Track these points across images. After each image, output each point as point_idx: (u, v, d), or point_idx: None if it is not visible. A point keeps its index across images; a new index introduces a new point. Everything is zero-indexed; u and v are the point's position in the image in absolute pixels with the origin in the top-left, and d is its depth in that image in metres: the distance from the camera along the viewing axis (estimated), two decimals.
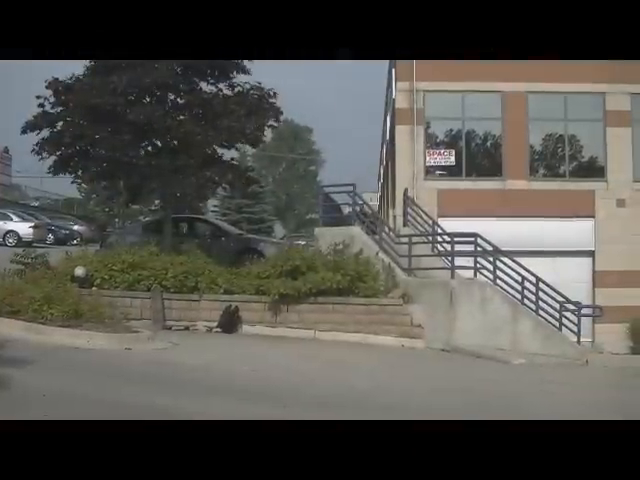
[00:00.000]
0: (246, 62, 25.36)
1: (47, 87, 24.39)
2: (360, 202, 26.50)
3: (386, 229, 26.12)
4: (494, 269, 22.87)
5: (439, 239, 25.93)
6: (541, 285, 23.03)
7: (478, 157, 33.28)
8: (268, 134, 30.02)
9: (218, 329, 21.55)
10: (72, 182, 30.41)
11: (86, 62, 24.78)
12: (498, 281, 22.73)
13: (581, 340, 22.95)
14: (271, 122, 26.56)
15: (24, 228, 43.15)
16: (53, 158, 25.26)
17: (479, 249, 23.35)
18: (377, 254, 23.23)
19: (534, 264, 24.04)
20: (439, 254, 25.07)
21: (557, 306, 23.08)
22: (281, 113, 26.59)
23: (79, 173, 26.91)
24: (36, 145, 24.92)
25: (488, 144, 33.34)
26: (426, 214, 28.01)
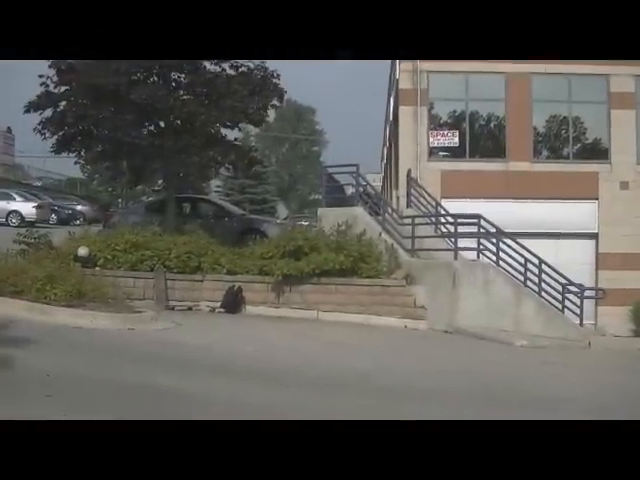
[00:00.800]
0: None
1: (50, 66, 24.34)
2: (363, 183, 26.46)
3: (389, 210, 26.11)
4: (497, 251, 22.86)
5: (442, 220, 25.88)
6: (544, 267, 23.03)
7: (481, 138, 33.22)
8: (271, 114, 29.98)
9: (221, 309, 21.58)
10: (75, 162, 30.42)
11: None
12: (501, 263, 22.72)
13: (583, 322, 22.96)
14: (274, 102, 26.53)
15: (27, 208, 43.15)
16: (56, 138, 25.25)
17: (482, 230, 23.33)
18: (380, 235, 23.22)
19: (537, 246, 24.03)
20: (442, 235, 25.06)
21: (560, 288, 23.09)
22: (284, 93, 26.58)
23: (82, 152, 26.90)
24: (39, 124, 24.91)
25: (491, 125, 33.28)
26: (429, 195, 27.97)
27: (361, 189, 26.10)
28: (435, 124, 32.22)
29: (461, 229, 23.52)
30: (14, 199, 44.04)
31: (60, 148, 25.67)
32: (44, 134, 25.06)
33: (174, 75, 25.49)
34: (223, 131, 27.09)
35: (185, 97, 25.18)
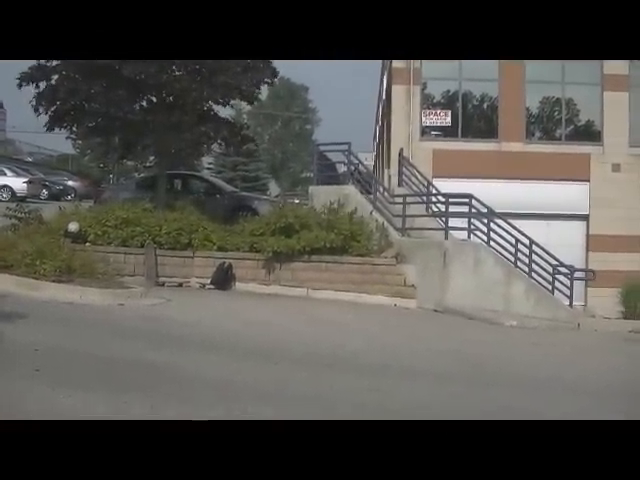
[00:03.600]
0: None
1: None
2: (355, 161, 26.43)
3: (380, 189, 26.09)
4: (488, 231, 22.86)
5: (433, 200, 25.87)
6: (534, 248, 23.04)
7: (474, 118, 33.19)
8: (264, 92, 29.95)
9: (211, 286, 21.59)
10: (67, 138, 30.34)
11: None
12: (492, 243, 22.72)
13: (573, 304, 23.00)
14: (267, 79, 26.44)
15: (18, 183, 43.08)
16: (48, 114, 25.15)
17: (473, 210, 23.30)
18: (371, 213, 23.22)
19: (528, 227, 24.03)
20: (433, 214, 25.03)
21: (550, 269, 23.12)
22: (277, 71, 26.51)
23: (73, 128, 26.81)
24: (33, 99, 24.81)
25: (484, 106, 33.26)
26: (421, 174, 27.94)
27: (353, 167, 26.07)
28: (428, 103, 32.16)
29: (452, 209, 23.49)
30: (5, 174, 43.94)
31: (53, 124, 25.55)
32: (38, 110, 24.96)
33: None
34: (215, 108, 27.02)
35: (177, 73, 25.07)
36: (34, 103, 24.79)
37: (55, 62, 24.49)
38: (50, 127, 25.73)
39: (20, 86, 24.61)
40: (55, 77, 24.61)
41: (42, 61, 24.40)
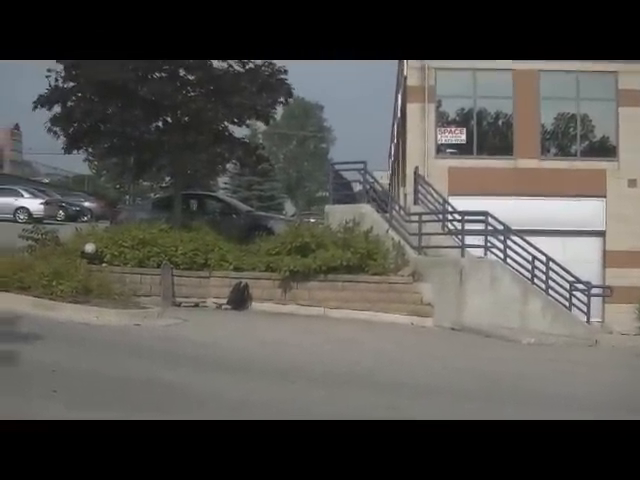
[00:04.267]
0: None
1: (58, 61, 24.36)
2: (371, 180, 26.41)
3: (396, 207, 26.07)
4: (504, 248, 22.82)
5: (449, 217, 25.85)
6: (551, 264, 22.99)
7: (489, 135, 33.20)
8: (279, 111, 29.99)
9: (227, 306, 21.60)
10: (85, 160, 30.62)
11: None
12: (508, 260, 22.67)
13: (591, 320, 22.94)
14: (282, 99, 26.53)
15: (35, 204, 43.25)
16: (65, 136, 25.25)
17: (489, 228, 23.28)
18: (387, 232, 23.20)
19: (544, 243, 24.00)
20: (449, 232, 25.00)
21: (567, 286, 23.07)
22: (292, 90, 26.58)
23: (90, 149, 26.93)
24: (49, 121, 24.93)
25: (499, 122, 33.28)
26: (437, 192, 27.94)
27: (368, 186, 26.05)
28: (443, 121, 32.23)
29: (468, 226, 23.46)
30: (22, 195, 44.13)
31: (70, 146, 25.69)
32: (55, 132, 25.07)
33: (182, 72, 25.45)
34: (231, 128, 27.08)
35: (193, 93, 25.17)
36: (49, 125, 24.91)
37: (71, 84, 24.63)
38: (67, 150, 25.86)
39: (35, 108, 24.73)
40: (71, 99, 24.73)
41: (58, 83, 24.54)
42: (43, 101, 24.67)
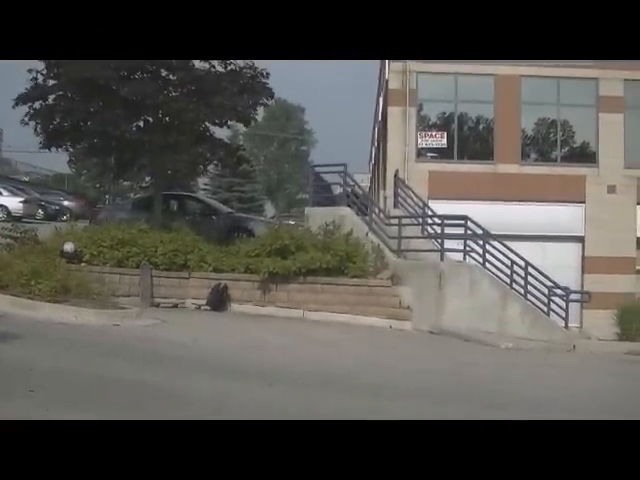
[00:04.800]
0: None
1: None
2: (351, 183, 26.43)
3: (376, 210, 26.10)
4: (483, 252, 22.91)
5: (429, 221, 25.90)
6: (530, 269, 23.06)
7: (470, 140, 33.27)
8: (260, 113, 29.95)
9: (207, 307, 21.59)
10: (68, 162, 30.40)
11: None
12: (487, 264, 22.76)
13: (569, 325, 23.01)
14: (263, 100, 26.53)
15: (14, 203, 43.04)
16: (44, 133, 25.16)
17: (469, 232, 23.35)
18: (367, 235, 23.23)
19: (523, 248, 24.09)
20: (429, 236, 25.06)
21: (545, 291, 23.12)
22: (273, 93, 26.58)
23: (69, 148, 26.83)
24: (26, 116, 24.81)
25: (480, 127, 33.33)
26: (417, 196, 27.97)
27: (349, 189, 26.07)
28: (424, 125, 32.26)
29: (448, 230, 23.54)
30: (1, 194, 43.90)
31: (48, 143, 25.60)
32: (35, 128, 24.97)
33: (164, 72, 25.41)
34: (212, 129, 27.06)
35: (174, 94, 25.13)
36: (27, 120, 24.79)
37: (52, 82, 24.55)
38: (45, 146, 25.74)
39: (16, 106, 24.63)
40: (52, 97, 24.64)
41: (39, 81, 24.45)
42: (23, 99, 24.58)
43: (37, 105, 24.73)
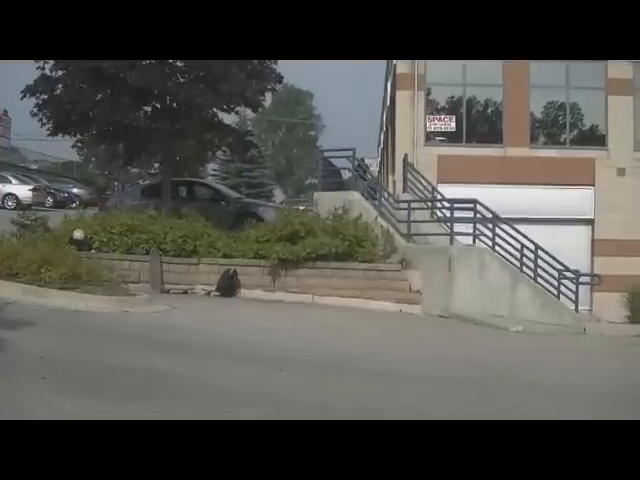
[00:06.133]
0: None
1: None
2: (360, 167, 26.37)
3: (385, 194, 26.06)
4: (493, 236, 22.85)
5: (438, 205, 25.87)
6: (540, 253, 23.03)
7: (479, 124, 33.17)
8: (268, 98, 29.90)
9: (216, 293, 21.61)
10: (73, 146, 30.44)
11: None
12: (497, 248, 22.71)
13: (579, 308, 22.98)
14: (271, 86, 26.49)
15: (23, 191, 43.07)
16: (52, 121, 25.16)
17: (478, 216, 23.31)
18: (376, 219, 23.19)
19: (533, 231, 24.02)
20: (438, 220, 25.04)
21: (555, 274, 23.10)
22: (282, 78, 26.54)
23: (78, 135, 26.85)
24: (35, 107, 24.84)
25: (489, 111, 33.22)
26: (426, 180, 27.92)
27: (357, 173, 26.02)
28: (432, 109, 32.17)
29: (457, 214, 23.52)
30: (10, 182, 43.94)
31: (56, 130, 25.61)
32: (41, 119, 25.00)
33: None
34: (220, 115, 27.05)
35: (182, 80, 25.10)
36: (36, 111, 24.82)
37: (60, 72, 24.54)
38: (53, 133, 25.75)
39: (24, 97, 24.65)
40: (60, 87, 24.64)
41: (47, 72, 24.44)
42: (32, 90, 24.59)
43: (45, 96, 24.72)
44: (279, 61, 25.79)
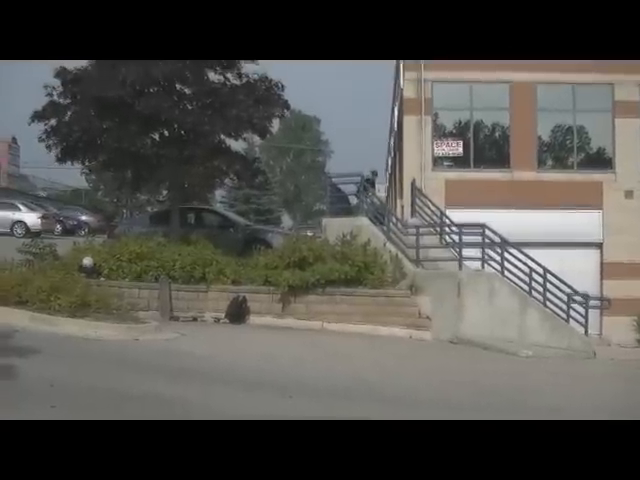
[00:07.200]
0: None
1: (55, 76, 24.43)
2: (367, 192, 26.38)
3: (394, 219, 26.05)
4: (502, 260, 22.83)
5: (447, 230, 25.86)
6: (549, 276, 22.98)
7: (486, 148, 33.18)
8: (276, 124, 29.97)
9: (226, 320, 21.56)
10: (81, 173, 30.56)
11: None
12: (506, 272, 22.69)
13: (588, 332, 22.89)
14: (279, 112, 26.55)
15: (32, 218, 43.14)
16: (60, 147, 25.25)
17: (487, 240, 23.30)
18: (385, 245, 23.18)
19: (542, 255, 23.96)
20: (447, 245, 25.02)
21: (565, 298, 23.03)
22: (289, 104, 26.63)
23: (86, 162, 26.94)
24: (43, 134, 24.94)
25: (496, 135, 33.25)
26: (434, 204, 27.91)
27: (366, 199, 26.01)
28: (439, 133, 32.21)
29: (466, 239, 23.51)
30: (19, 209, 44.03)
31: (64, 158, 25.69)
32: (49, 145, 25.09)
33: (178, 86, 25.50)
34: (228, 141, 27.08)
35: (190, 107, 25.19)
36: (44, 137, 24.92)
37: (68, 100, 24.66)
38: (62, 160, 25.83)
39: (32, 123, 24.75)
40: (68, 114, 24.75)
41: (55, 98, 24.57)
42: (39, 116, 24.69)
43: (53, 122, 24.83)
44: (286, 87, 25.93)
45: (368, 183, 26.71)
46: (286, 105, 26.47)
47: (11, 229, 41.77)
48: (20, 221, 42.71)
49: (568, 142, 32.79)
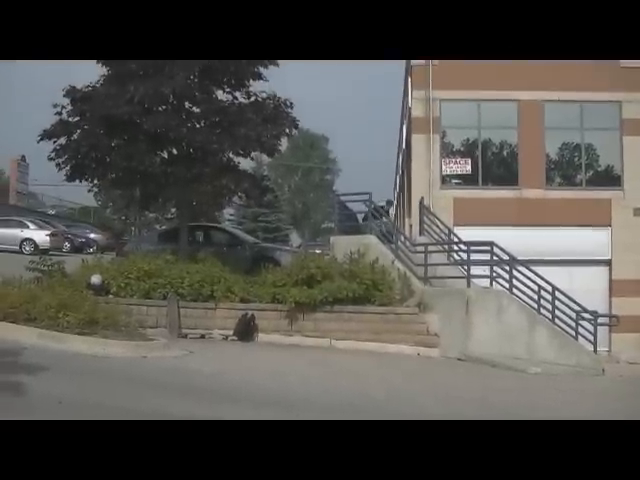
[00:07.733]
0: (262, 69, 25.51)
1: (64, 95, 24.54)
2: (376, 211, 26.40)
3: (402, 238, 26.07)
4: (510, 278, 22.81)
5: (455, 248, 25.87)
6: (557, 294, 22.95)
7: (494, 166, 33.22)
8: (284, 143, 30.02)
9: (234, 337, 21.56)
10: (89, 190, 30.56)
11: (103, 70, 25.01)
12: (514, 290, 22.66)
13: (597, 349, 22.86)
14: (287, 131, 26.59)
15: (41, 236, 43.27)
16: (69, 165, 25.33)
17: (495, 258, 23.30)
18: (393, 263, 23.19)
19: (550, 273, 23.96)
20: (455, 263, 25.02)
21: (573, 315, 23.01)
22: (297, 123, 26.67)
23: (95, 180, 27.00)
24: (52, 152, 25.02)
25: (504, 153, 33.30)
26: (442, 223, 27.96)
27: (374, 217, 26.02)
28: (447, 152, 32.26)
29: (474, 256, 23.51)
30: (28, 227, 44.17)
31: (73, 176, 25.78)
32: (58, 163, 25.17)
33: (187, 104, 25.59)
34: (236, 160, 27.14)
35: (198, 126, 25.27)
36: (54, 156, 25.00)
37: (77, 118, 24.76)
38: (71, 179, 25.90)
39: (40, 141, 24.83)
40: (77, 132, 24.83)
41: (64, 117, 24.67)
42: (48, 135, 24.77)
43: (62, 140, 24.92)
44: (295, 105, 26.00)
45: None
46: (294, 123, 26.54)
47: (20, 246, 41.90)
48: (29, 238, 42.86)
49: (576, 160, 32.84)
